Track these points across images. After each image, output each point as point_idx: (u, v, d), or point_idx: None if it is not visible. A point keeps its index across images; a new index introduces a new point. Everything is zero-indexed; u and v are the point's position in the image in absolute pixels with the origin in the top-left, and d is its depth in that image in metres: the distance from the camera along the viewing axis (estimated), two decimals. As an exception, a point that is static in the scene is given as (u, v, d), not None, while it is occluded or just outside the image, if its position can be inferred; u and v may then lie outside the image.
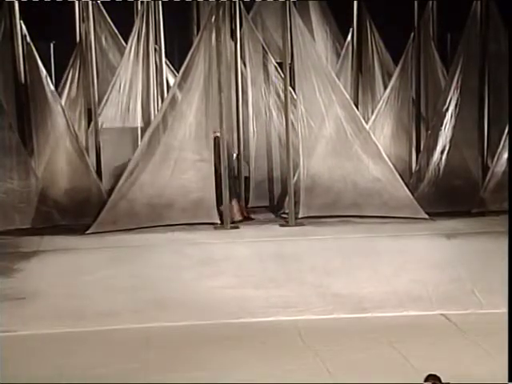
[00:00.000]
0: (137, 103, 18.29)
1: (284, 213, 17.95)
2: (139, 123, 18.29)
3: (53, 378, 10.74)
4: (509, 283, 6.85)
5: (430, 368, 9.32)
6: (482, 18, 17.65)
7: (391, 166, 17.60)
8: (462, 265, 14.80)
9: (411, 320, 12.80)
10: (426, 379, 8.77)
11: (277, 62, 18.24)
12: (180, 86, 17.33)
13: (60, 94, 17.67)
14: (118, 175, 17.51)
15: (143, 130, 17.89)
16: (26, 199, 17.16)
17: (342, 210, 17.60)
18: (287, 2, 17.30)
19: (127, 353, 11.78)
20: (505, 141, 17.71)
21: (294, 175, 17.64)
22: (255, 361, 11.37)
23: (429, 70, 18.64)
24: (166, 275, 14.51)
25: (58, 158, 17.43)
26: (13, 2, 16.77)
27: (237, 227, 17.30)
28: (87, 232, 16.84)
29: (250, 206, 18.52)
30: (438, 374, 8.78)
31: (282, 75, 17.73)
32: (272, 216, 18.16)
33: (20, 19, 16.90)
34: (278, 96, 18.28)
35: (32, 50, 17.04)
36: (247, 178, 18.67)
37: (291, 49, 17.54)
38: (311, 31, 18.55)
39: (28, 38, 16.99)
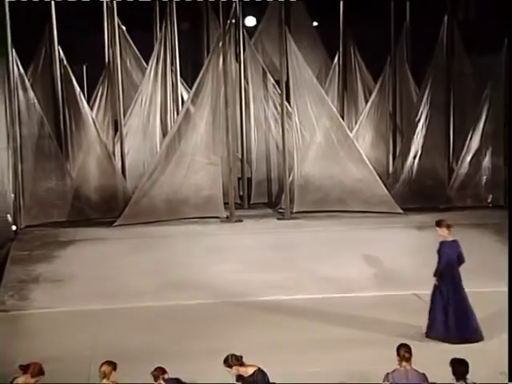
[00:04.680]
0: (156, 116, 18.30)
1: (281, 208, 17.93)
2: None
3: (85, 348, 10.84)
4: (509, 282, 6.51)
5: (404, 338, 9.43)
6: (448, 43, 17.69)
7: (371, 168, 17.61)
8: (430, 252, 14.65)
9: (388, 299, 12.80)
10: (399, 348, 8.87)
11: (275, 81, 18.22)
12: (192, 101, 17.36)
13: (91, 108, 17.66)
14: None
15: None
16: (62, 197, 17.19)
17: (330, 205, 17.59)
18: (283, 30, 17.35)
19: (149, 326, 11.86)
20: (467, 147, 17.77)
21: (289, 176, 17.65)
22: (258, 333, 11.50)
23: (403, 88, 18.64)
24: (181, 261, 14.56)
25: (89, 161, 17.45)
26: (52, 31, 16.81)
27: (240, 220, 17.25)
28: (114, 224, 16.88)
29: (251, 202, 18.46)
30: (408, 344, 8.89)
31: (280, 92, 17.75)
32: (270, 211, 18.11)
33: (58, 45, 16.94)
34: (276, 109, 18.24)
35: (68, 71, 17.08)
36: (249, 179, 18.64)
37: (287, 69, 17.54)
38: (304, 55, 18.46)
39: (65, 61, 17.02)
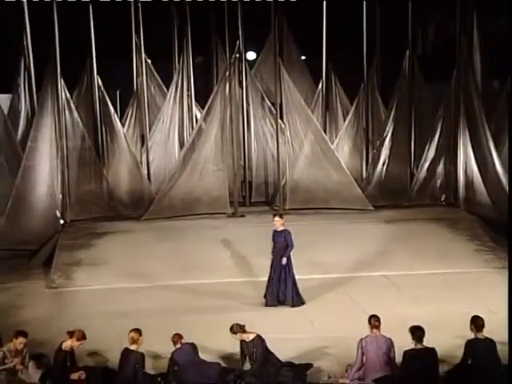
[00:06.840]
0: (175, 131, 18.25)
1: (276, 206, 17.82)
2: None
3: (117, 318, 11.01)
4: (509, 282, 6.25)
5: (373, 310, 9.54)
6: (409, 73, 17.67)
7: (349, 173, 17.55)
8: (395, 241, 14.86)
9: (361, 279, 12.92)
10: (370, 318, 8.96)
11: (271, 103, 18.15)
12: (204, 119, 17.30)
13: (123, 125, 17.62)
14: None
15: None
16: (99, 197, 17.11)
17: (316, 204, 17.48)
18: (278, 62, 17.32)
19: (167, 300, 11.98)
20: (425, 156, 17.73)
21: (282, 180, 17.62)
22: (255, 306, 11.58)
23: (374, 108, 18.54)
24: (195, 248, 14.59)
25: (121, 168, 17.37)
26: (92, 63, 16.84)
27: (243, 216, 17.12)
28: (141, 219, 16.80)
29: (252, 201, 18.29)
30: (378, 315, 8.98)
31: (275, 112, 17.72)
32: (267, 208, 17.92)
33: (97, 74, 16.97)
34: (272, 126, 18.16)
35: (104, 96, 17.06)
36: (250, 182, 18.50)
37: (281, 94, 17.52)
38: (294, 82, 18.48)
39: (102, 88, 17.02)
